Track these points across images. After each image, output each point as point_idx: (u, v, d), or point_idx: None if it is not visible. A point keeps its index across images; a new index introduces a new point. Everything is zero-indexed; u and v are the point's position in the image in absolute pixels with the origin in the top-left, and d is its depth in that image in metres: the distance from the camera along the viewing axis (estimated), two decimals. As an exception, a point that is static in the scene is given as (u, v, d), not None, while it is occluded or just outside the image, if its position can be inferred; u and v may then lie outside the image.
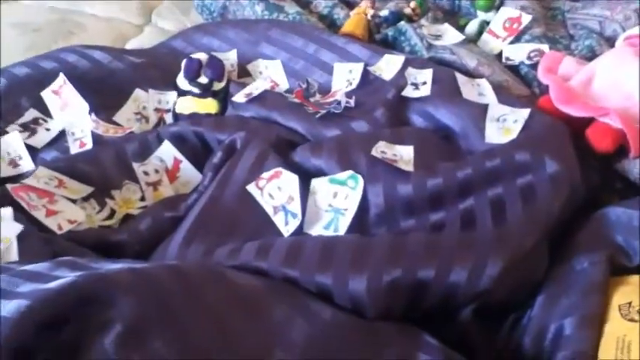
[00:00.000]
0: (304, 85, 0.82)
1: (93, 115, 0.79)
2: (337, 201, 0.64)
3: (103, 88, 0.84)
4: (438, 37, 0.92)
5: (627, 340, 0.48)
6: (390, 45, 0.94)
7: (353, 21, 0.96)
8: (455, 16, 1.02)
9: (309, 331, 0.49)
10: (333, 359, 0.48)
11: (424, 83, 0.78)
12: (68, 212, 0.68)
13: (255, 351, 0.47)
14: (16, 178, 0.72)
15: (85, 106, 0.80)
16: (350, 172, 0.65)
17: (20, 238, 0.59)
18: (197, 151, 0.76)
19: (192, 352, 0.45)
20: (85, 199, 0.71)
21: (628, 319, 0.49)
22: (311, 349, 0.48)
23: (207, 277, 0.51)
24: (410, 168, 0.66)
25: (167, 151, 0.75)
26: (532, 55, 0.87)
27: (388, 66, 0.83)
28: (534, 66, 0.84)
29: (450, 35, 0.92)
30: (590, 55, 0.86)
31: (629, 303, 0.50)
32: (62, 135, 0.80)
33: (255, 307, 0.50)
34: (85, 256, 0.60)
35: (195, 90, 0.82)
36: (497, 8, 0.96)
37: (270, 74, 0.89)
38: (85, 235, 0.66)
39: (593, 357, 0.48)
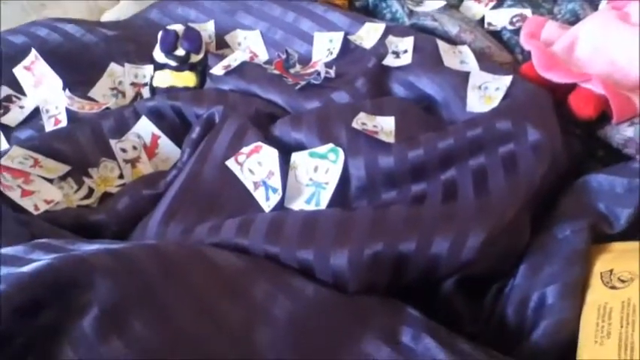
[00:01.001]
0: (284, 56, 0.80)
1: (67, 92, 0.77)
2: (318, 175, 0.63)
3: (77, 63, 0.82)
4: (419, 3, 0.90)
5: (609, 307, 0.48)
6: (371, 12, 0.92)
7: (333, -12, 0.94)
8: (436, -19, 1.00)
9: (291, 308, 0.49)
10: (316, 335, 0.48)
11: (405, 51, 0.77)
12: (44, 192, 0.66)
13: (238, 329, 0.46)
14: (-11, 159, 0.70)
15: (59, 82, 0.78)
16: (330, 146, 0.64)
17: (-5, 220, 0.58)
18: (175, 126, 0.74)
19: (172, 332, 0.45)
20: (62, 178, 0.69)
21: (609, 286, 0.49)
22: (294, 326, 0.48)
23: (186, 256, 0.51)
24: (391, 139, 0.65)
25: (144, 127, 0.73)
26: (514, 20, 0.85)
27: (369, 34, 0.82)
28: (517, 31, 0.83)
29: (431, 1, 0.90)
30: (574, 20, 0.84)
31: (611, 270, 0.50)
32: (36, 112, 0.78)
33: (236, 286, 0.50)
34: (62, 237, 0.59)
35: (172, 63, 0.80)
36: (480, -28, 0.94)
37: (249, 45, 0.87)
38: (62, 216, 0.64)
39: (575, 325, 0.48)
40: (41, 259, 0.46)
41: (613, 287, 0.49)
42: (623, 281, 0.49)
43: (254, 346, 0.45)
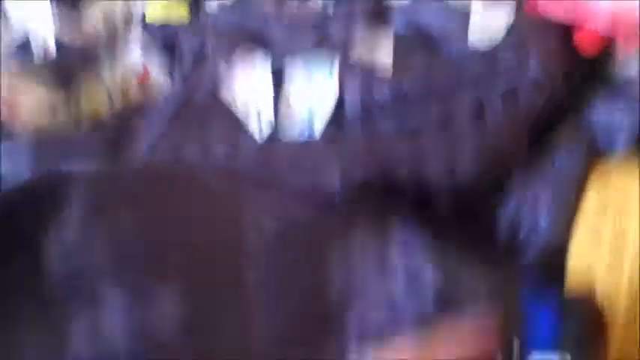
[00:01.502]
0: (279, -10, 0.78)
1: (56, 20, 0.75)
2: (312, 102, 0.63)
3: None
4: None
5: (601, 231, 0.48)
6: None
7: None
8: None
9: (280, 225, 0.49)
10: (307, 246, 0.48)
11: (405, -15, 0.75)
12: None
13: (225, 237, 0.46)
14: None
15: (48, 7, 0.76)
16: (326, 72, 0.63)
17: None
18: (166, 58, 0.73)
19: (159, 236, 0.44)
20: (52, 104, 0.69)
21: (603, 210, 0.49)
22: (282, 240, 0.48)
23: (174, 174, 0.51)
24: (388, 71, 0.64)
25: (136, 58, 0.73)
26: (519, -47, 0.83)
27: (368, -31, 0.80)
28: (523, -36, 0.81)
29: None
30: (580, -44, 0.83)
31: (606, 195, 0.50)
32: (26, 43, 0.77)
33: (223, 203, 0.50)
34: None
35: (164, -6, 0.79)
36: None
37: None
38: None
39: (566, 248, 0.49)
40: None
41: (606, 211, 0.49)
42: (617, 205, 0.49)
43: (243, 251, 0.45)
